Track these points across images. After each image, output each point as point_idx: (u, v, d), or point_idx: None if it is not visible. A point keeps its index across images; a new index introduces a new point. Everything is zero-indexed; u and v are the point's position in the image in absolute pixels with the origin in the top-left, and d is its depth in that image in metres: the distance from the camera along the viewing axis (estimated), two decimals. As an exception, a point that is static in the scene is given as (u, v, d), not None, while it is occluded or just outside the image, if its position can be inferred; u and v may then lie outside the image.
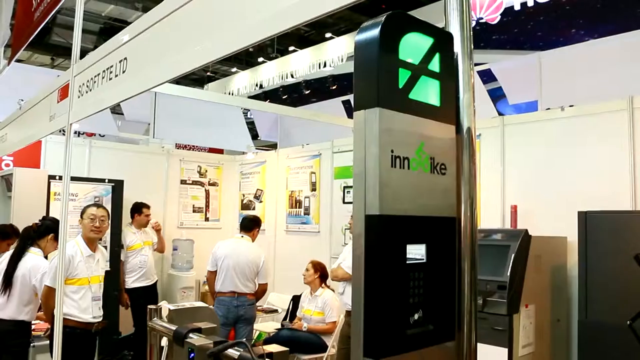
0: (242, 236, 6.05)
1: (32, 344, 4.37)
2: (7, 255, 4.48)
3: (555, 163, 4.87)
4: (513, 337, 4.00)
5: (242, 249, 5.88)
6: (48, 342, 4.27)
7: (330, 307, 5.71)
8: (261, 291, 5.97)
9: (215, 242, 8.48)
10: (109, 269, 4.54)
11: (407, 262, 1.84)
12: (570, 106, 5.11)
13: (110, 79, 3.10)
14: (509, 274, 4.06)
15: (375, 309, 1.74)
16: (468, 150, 2.02)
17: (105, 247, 5.80)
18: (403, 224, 1.81)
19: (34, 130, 4.62)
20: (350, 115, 7.78)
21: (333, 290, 5.78)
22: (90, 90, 3.40)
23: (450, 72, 1.99)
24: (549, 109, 5.46)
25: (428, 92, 1.91)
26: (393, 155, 1.75)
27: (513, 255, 4.11)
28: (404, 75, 1.81)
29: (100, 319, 4.28)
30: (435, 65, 1.92)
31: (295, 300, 6.53)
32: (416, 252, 1.88)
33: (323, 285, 5.91)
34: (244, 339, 3.25)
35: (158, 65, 2.58)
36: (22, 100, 5.36)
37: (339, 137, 7.14)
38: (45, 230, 4.58)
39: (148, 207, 6.96)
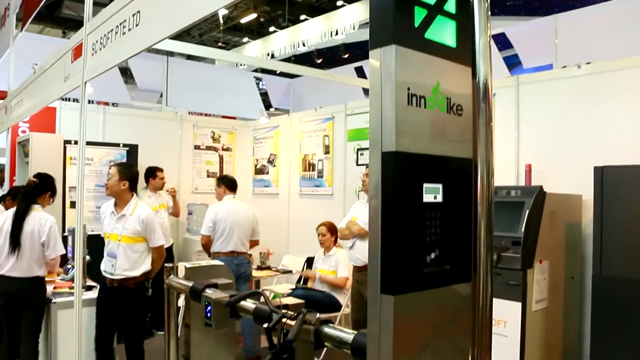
0: (234, 197, 6.11)
1: (53, 301, 4.44)
2: (7, 215, 4.55)
3: (571, 121, 4.83)
4: (527, 292, 4.03)
5: (241, 209, 6.00)
6: (71, 298, 4.35)
7: (343, 264, 5.77)
8: (253, 247, 6.22)
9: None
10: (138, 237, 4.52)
11: (424, 200, 1.85)
12: (587, 63, 5.05)
13: (124, 33, 3.11)
14: (523, 229, 4.06)
15: (392, 246, 1.76)
16: (484, 93, 2.01)
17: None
18: (419, 162, 1.82)
19: (49, 92, 4.66)
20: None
21: (344, 248, 5.82)
22: (104, 47, 3.42)
23: (466, 14, 1.97)
24: (565, 67, 5.40)
25: (444, 32, 1.89)
26: (409, 93, 1.74)
27: (527, 211, 4.11)
28: (419, 14, 1.80)
29: (112, 277, 4.35)
30: (451, 5, 1.91)
31: (309, 261, 6.59)
32: (433, 192, 1.89)
33: (336, 244, 5.96)
34: (260, 289, 3.27)
35: (170, 16, 2.59)
36: (35, 64, 5.40)
37: (352, 100, 7.10)
38: (44, 188, 4.70)
39: (162, 170, 7.01)
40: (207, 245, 6.01)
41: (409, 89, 1.74)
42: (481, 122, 2.00)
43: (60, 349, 4.41)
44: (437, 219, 1.89)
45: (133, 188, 4.52)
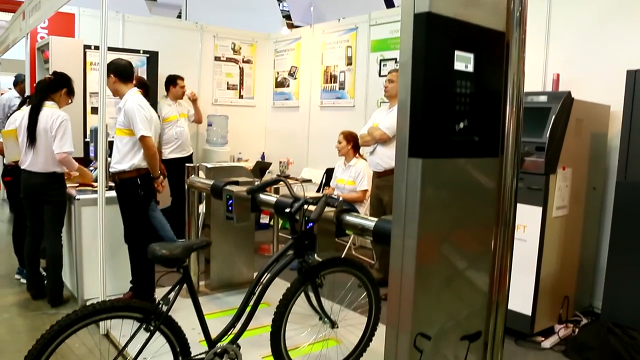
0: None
1: (76, 197, 4.51)
2: (25, 111, 4.56)
3: (602, 30, 4.65)
4: (548, 197, 4.00)
5: None
6: (94, 196, 4.41)
7: (362, 176, 5.75)
8: None
9: (250, 119, 8.60)
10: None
11: (455, 68, 1.80)
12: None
13: None
14: (548, 135, 4.00)
15: (422, 109, 1.72)
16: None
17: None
18: (452, 28, 1.75)
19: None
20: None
21: (366, 160, 5.80)
22: None
23: None
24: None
25: None
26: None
27: (554, 116, 4.03)
28: None
29: (111, 172, 4.32)
30: None
31: (329, 173, 6.60)
32: (464, 60, 1.84)
33: (357, 155, 5.93)
34: (283, 176, 3.29)
35: None
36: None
37: (376, 10, 6.91)
38: (58, 84, 4.63)
39: (182, 78, 6.93)
40: None
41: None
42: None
43: (85, 244, 4.51)
44: (467, 88, 1.84)
45: (125, 79, 4.27)
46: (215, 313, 4.24)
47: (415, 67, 1.72)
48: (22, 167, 4.51)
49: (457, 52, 1.80)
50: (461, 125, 1.84)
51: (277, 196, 3.48)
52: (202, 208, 5.54)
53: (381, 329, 3.48)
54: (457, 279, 1.97)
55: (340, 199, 2.91)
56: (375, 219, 2.75)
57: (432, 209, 1.78)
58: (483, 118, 1.92)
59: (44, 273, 4.70)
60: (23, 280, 5.00)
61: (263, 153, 8.58)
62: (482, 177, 1.96)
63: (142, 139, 4.07)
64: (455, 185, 1.86)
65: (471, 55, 1.85)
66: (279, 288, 3.10)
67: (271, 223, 7.59)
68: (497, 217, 2.03)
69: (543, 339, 4.13)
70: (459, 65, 1.82)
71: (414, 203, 1.74)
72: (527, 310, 4.07)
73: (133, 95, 4.21)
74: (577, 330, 4.19)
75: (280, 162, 7.34)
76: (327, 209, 2.92)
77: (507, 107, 1.98)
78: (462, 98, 1.83)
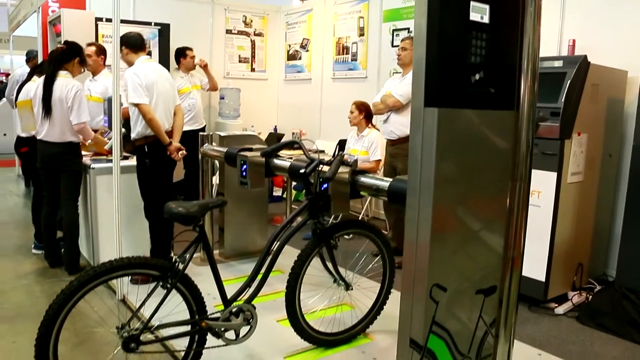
0: None
1: (91, 166, 4.55)
2: (39, 82, 4.58)
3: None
4: (563, 163, 3.97)
5: None
6: (108, 165, 4.44)
7: (375, 146, 5.73)
8: None
9: (262, 92, 8.57)
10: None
11: (470, 19, 1.79)
12: None
13: None
14: (563, 100, 3.96)
15: (437, 60, 1.71)
16: None
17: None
18: (468, -24, 1.74)
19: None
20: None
21: (378, 130, 5.78)
22: None
23: None
24: None
25: None
26: None
27: (569, 81, 3.99)
28: None
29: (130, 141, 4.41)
30: None
31: (342, 144, 6.58)
32: (479, 11, 1.82)
33: (370, 125, 5.91)
34: (297, 139, 3.30)
35: None
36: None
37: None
38: (70, 53, 4.63)
39: (191, 49, 6.90)
40: None
41: None
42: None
43: (101, 212, 4.56)
44: (483, 40, 1.83)
45: (136, 49, 4.32)
46: (229, 280, 4.27)
47: (431, 18, 1.71)
48: (38, 138, 4.55)
49: (472, 3, 1.79)
50: (477, 76, 1.83)
51: (291, 160, 3.49)
52: (215, 179, 5.57)
53: (395, 295, 3.51)
54: (472, 230, 1.98)
55: (355, 157, 2.91)
56: (390, 179, 2.76)
57: (447, 159, 1.79)
58: (498, 70, 1.91)
59: (60, 243, 4.76)
60: (40, 251, 5.07)
61: (275, 126, 8.58)
62: (498, 129, 1.96)
63: (136, 106, 4.11)
64: (471, 137, 1.86)
65: (487, 7, 1.84)
66: (292, 256, 3.13)
67: (284, 196, 7.62)
68: (513, 172, 2.03)
69: (556, 305, 4.14)
70: (474, 16, 1.81)
71: (430, 153, 1.74)
72: (540, 276, 4.08)
73: (136, 64, 4.27)
74: (590, 297, 4.19)
75: (293, 134, 7.33)
76: (341, 169, 2.93)
77: (523, 60, 1.96)
78: (477, 49, 1.82)
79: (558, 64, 4.16)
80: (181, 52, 6.89)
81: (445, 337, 1.98)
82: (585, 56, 4.07)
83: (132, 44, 4.27)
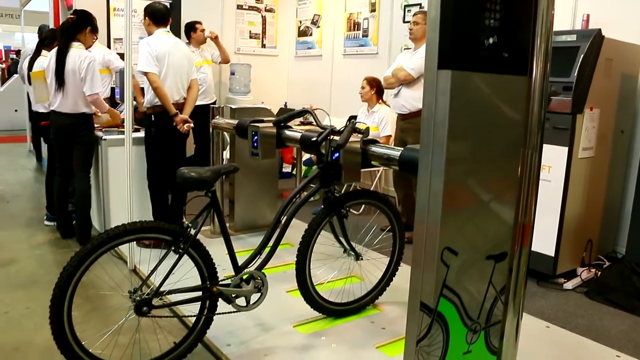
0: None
1: (103, 138, 4.58)
2: (52, 53, 4.59)
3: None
4: (574, 138, 3.95)
5: None
6: (120, 136, 4.49)
7: (386, 122, 5.73)
8: None
9: (272, 69, 8.54)
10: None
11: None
12: None
13: None
14: (576, 74, 3.93)
15: (451, 22, 1.71)
16: None
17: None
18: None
19: None
20: None
21: (389, 106, 5.77)
22: None
23: None
24: None
25: None
26: None
27: (582, 55, 3.96)
28: None
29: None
30: None
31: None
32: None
33: (380, 101, 5.90)
34: (309, 107, 3.30)
35: None
36: None
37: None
38: (81, 23, 4.61)
39: (200, 22, 6.88)
40: None
41: None
42: None
43: (112, 184, 4.60)
44: (497, 4, 1.82)
45: (157, 22, 4.46)
46: (239, 252, 4.28)
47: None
48: (51, 109, 4.57)
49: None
50: (490, 40, 1.82)
51: (302, 131, 3.49)
52: (226, 154, 5.59)
53: (404, 269, 3.53)
54: (484, 195, 1.98)
55: (367, 125, 2.91)
56: (401, 149, 2.76)
57: (460, 122, 1.78)
58: (512, 35, 1.90)
59: (72, 214, 4.80)
60: (52, 223, 5.12)
61: (285, 102, 8.57)
62: (511, 95, 1.95)
63: (145, 75, 4.23)
64: (484, 101, 1.86)
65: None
66: (301, 230, 3.14)
67: (293, 172, 7.64)
68: (525, 139, 2.03)
69: (565, 280, 4.14)
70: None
71: (444, 115, 1.74)
72: (550, 251, 4.08)
73: (153, 35, 4.38)
74: (599, 273, 4.19)
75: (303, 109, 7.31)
76: (352, 138, 2.93)
77: (537, 26, 1.95)
78: (492, 13, 1.81)
79: (571, 38, 4.12)
80: (191, 27, 6.88)
81: (456, 302, 2.00)
82: (600, 30, 4.03)
83: (156, 17, 4.44)
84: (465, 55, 1.75)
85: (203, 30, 6.89)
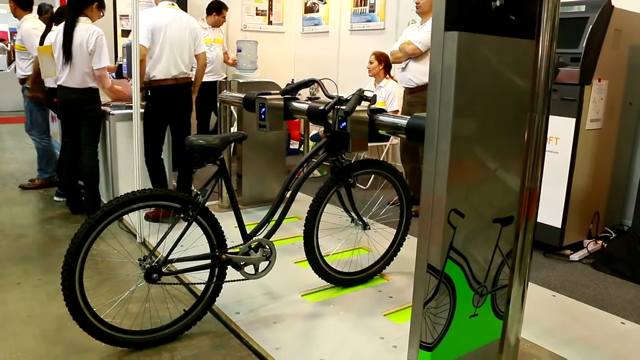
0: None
1: (111, 112, 4.60)
2: (59, 28, 4.59)
3: None
4: (582, 109, 3.94)
5: None
6: (128, 111, 4.51)
7: (393, 96, 5.73)
8: None
9: (279, 46, 8.51)
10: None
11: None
12: None
13: None
14: (584, 45, 3.91)
15: (458, -18, 1.71)
16: None
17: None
18: None
19: None
20: None
21: (396, 81, 5.75)
22: None
23: None
24: None
25: None
26: None
27: (591, 26, 3.93)
28: None
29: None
30: None
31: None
32: None
33: (387, 76, 5.89)
34: (316, 78, 3.31)
35: None
36: None
37: None
38: None
39: (227, 9, 6.94)
40: None
41: None
42: None
43: (120, 159, 4.63)
44: (505, -35, 1.82)
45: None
46: (247, 224, 4.34)
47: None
48: (58, 84, 4.58)
49: None
50: (497, 3, 1.82)
51: (310, 103, 3.50)
52: (233, 129, 5.61)
53: (411, 240, 3.55)
54: (491, 159, 1.99)
55: (374, 93, 2.91)
56: (408, 117, 2.76)
57: (467, 83, 1.79)
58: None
59: (82, 190, 4.84)
60: (62, 199, 5.17)
61: (292, 79, 8.54)
62: (517, 59, 1.95)
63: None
64: (491, 64, 1.86)
65: None
66: (308, 204, 3.15)
67: (301, 149, 7.65)
68: (532, 103, 2.03)
69: (571, 252, 4.16)
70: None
71: (450, 78, 1.75)
72: (556, 223, 4.09)
73: (153, 7, 4.47)
74: (606, 245, 4.20)
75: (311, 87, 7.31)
76: (360, 108, 2.94)
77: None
78: (499, -26, 1.81)
79: (580, 8, 4.09)
80: (218, 8, 6.93)
81: (462, 264, 2.02)
82: (609, 0, 3.99)
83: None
84: (472, 17, 1.75)
85: (225, 17, 7.00)
